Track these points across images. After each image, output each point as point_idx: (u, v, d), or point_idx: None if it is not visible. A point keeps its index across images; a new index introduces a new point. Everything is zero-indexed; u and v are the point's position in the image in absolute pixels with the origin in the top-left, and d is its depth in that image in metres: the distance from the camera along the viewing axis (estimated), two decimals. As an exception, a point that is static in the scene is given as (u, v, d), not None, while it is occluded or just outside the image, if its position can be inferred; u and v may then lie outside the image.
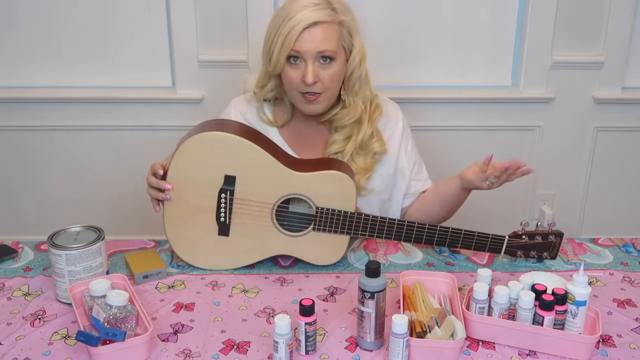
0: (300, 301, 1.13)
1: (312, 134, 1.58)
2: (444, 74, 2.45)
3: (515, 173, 1.39)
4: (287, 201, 1.40)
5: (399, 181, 1.62)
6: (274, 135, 1.57)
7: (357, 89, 1.52)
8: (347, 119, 1.52)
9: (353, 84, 1.51)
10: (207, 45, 2.35)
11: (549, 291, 1.18)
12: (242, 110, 1.60)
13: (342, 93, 1.52)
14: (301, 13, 1.39)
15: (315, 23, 1.40)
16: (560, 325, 1.16)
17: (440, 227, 1.41)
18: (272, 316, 1.26)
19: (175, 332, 1.21)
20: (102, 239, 1.32)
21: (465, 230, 1.41)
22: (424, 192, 1.65)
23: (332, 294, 1.35)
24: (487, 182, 1.42)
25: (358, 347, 1.17)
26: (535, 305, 1.16)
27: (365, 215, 1.40)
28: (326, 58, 1.43)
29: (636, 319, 1.27)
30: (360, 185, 1.53)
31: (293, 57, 1.43)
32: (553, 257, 1.46)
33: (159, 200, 1.41)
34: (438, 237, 1.42)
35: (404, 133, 1.61)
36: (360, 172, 1.53)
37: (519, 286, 1.21)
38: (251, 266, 1.45)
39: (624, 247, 1.56)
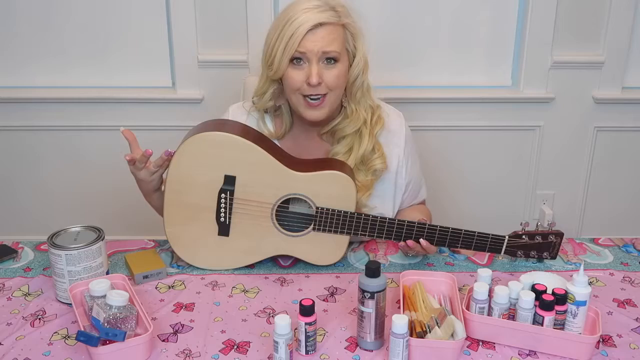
0: (300, 301, 1.13)
1: (312, 146, 1.56)
2: (444, 74, 2.45)
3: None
4: (287, 201, 1.40)
5: (397, 195, 1.60)
6: None
7: (359, 97, 1.49)
8: (350, 128, 1.49)
9: (356, 92, 1.49)
10: (207, 45, 2.35)
11: (549, 291, 1.18)
12: (241, 120, 1.55)
13: (343, 101, 1.51)
14: (305, 15, 1.38)
15: (320, 24, 1.38)
16: (560, 325, 1.16)
17: (440, 227, 1.41)
18: (272, 316, 1.26)
19: (175, 332, 1.21)
20: (102, 239, 1.32)
21: (465, 230, 1.41)
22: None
23: (332, 294, 1.35)
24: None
25: (358, 347, 1.17)
26: (535, 305, 1.16)
27: (365, 215, 1.40)
28: (330, 59, 1.41)
29: (636, 319, 1.27)
30: (362, 202, 1.51)
31: (296, 59, 1.41)
32: (553, 257, 1.46)
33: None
34: (438, 237, 1.41)
35: (406, 148, 1.58)
36: (361, 190, 1.51)
37: (519, 286, 1.21)
38: (251, 266, 1.45)
39: (624, 247, 1.56)
